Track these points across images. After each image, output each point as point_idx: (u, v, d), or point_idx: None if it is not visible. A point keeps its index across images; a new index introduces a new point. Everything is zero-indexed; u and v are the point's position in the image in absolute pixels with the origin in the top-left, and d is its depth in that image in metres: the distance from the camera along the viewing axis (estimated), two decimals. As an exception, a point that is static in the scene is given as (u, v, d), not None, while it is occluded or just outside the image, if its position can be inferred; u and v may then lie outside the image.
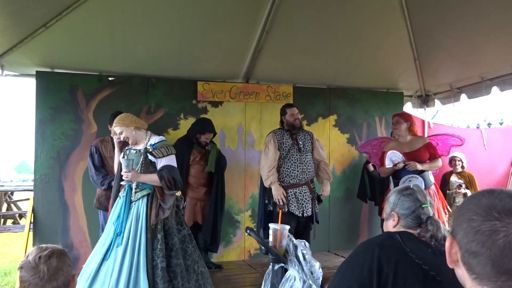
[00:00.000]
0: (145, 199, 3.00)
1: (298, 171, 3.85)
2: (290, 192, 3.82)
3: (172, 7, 3.87)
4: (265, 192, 3.95)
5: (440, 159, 4.01)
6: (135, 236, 2.91)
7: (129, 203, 3.01)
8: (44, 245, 1.46)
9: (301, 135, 3.99)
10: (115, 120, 3.12)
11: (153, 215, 2.95)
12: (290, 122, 3.97)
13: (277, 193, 3.74)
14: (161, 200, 2.99)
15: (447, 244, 0.81)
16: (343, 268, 1.43)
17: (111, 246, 2.91)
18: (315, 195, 3.94)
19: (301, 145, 3.92)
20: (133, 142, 3.12)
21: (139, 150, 3.09)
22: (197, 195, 4.29)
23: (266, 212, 3.93)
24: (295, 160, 3.87)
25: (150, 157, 3.05)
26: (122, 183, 3.07)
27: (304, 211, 3.82)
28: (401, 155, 3.93)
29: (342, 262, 1.46)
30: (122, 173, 2.97)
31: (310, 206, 3.86)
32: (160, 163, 3.04)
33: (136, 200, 3.01)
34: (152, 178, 2.99)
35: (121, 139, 3.12)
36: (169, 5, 3.84)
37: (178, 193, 3.22)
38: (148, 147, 3.06)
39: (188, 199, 4.21)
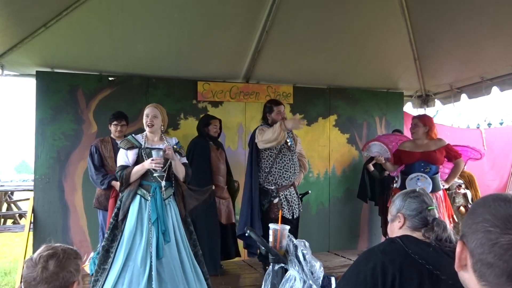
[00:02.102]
0: (172, 197, 3.13)
1: (290, 172, 3.74)
2: (282, 195, 3.70)
3: (172, 7, 3.87)
4: (260, 194, 3.75)
5: (461, 159, 3.93)
6: (180, 231, 3.08)
7: (162, 201, 3.04)
8: (53, 245, 1.40)
9: (286, 133, 3.81)
10: (154, 104, 3.22)
11: (182, 208, 3.15)
12: (276, 121, 3.75)
13: (294, 121, 3.57)
14: (186, 190, 3.20)
15: (457, 249, 0.81)
16: (347, 275, 1.45)
17: (160, 245, 2.92)
18: (298, 194, 3.91)
19: (289, 144, 3.81)
20: (153, 132, 3.15)
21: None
22: (219, 193, 4.27)
23: (258, 212, 3.71)
24: (287, 160, 3.74)
25: (177, 155, 3.21)
26: (155, 174, 3.03)
27: (294, 213, 3.76)
28: (388, 153, 4.03)
29: (347, 270, 1.48)
30: (155, 163, 2.95)
31: (297, 206, 3.82)
32: (182, 161, 3.25)
33: (167, 198, 3.09)
34: (182, 169, 3.18)
35: (148, 122, 3.11)
36: (169, 5, 3.84)
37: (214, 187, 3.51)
38: (175, 147, 3.23)
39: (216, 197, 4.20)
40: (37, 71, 4.33)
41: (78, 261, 1.42)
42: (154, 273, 2.83)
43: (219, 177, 4.31)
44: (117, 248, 2.95)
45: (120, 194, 3.13)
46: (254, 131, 3.90)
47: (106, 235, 3.05)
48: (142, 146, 3.12)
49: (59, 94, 4.36)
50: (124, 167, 3.09)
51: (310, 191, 4.28)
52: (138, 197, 3.04)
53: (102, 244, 3.05)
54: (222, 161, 4.38)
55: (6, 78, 4.40)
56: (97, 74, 4.52)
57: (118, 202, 3.10)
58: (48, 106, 4.33)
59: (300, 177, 4.04)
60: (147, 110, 3.16)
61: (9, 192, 9.68)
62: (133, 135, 3.22)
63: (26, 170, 35.03)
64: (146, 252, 2.89)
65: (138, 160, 3.10)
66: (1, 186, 9.96)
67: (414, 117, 4.10)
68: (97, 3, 3.68)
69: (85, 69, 4.48)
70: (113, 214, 3.08)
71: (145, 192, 3.04)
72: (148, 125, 3.12)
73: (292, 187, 3.82)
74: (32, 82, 4.42)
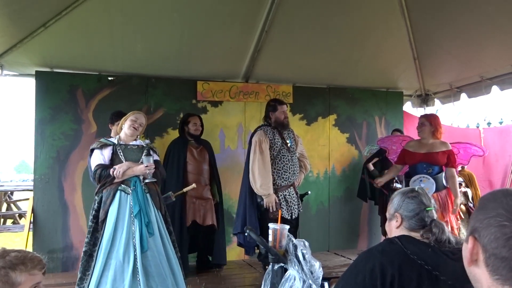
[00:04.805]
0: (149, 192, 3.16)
1: (290, 172, 3.73)
2: (280, 195, 3.68)
3: (172, 7, 3.86)
4: (254, 193, 3.72)
5: (454, 169, 3.90)
6: (163, 225, 3.09)
7: (144, 193, 3.07)
8: (3, 249, 1.32)
9: (286, 134, 3.85)
10: (143, 113, 3.29)
11: (162, 204, 3.19)
12: (279, 120, 3.77)
13: (270, 200, 3.59)
14: (160, 191, 3.27)
15: (469, 245, 0.81)
16: (346, 275, 1.44)
17: (144, 237, 2.90)
18: (298, 195, 3.90)
19: (289, 144, 3.80)
20: (131, 135, 3.20)
21: (141, 146, 3.22)
22: (196, 193, 4.12)
23: (257, 213, 3.72)
24: (287, 161, 3.73)
25: (151, 152, 3.23)
26: (147, 180, 3.10)
27: (293, 213, 3.75)
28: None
29: (345, 270, 1.47)
30: (149, 169, 3.05)
31: (297, 207, 3.81)
32: (155, 158, 3.27)
33: (147, 192, 3.11)
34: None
35: (135, 126, 3.16)
36: (169, 5, 3.84)
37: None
38: (149, 144, 3.29)
39: (187, 197, 4.08)
40: (36, 71, 4.33)
41: (12, 273, 1.27)
42: (139, 265, 2.79)
43: (198, 177, 4.18)
44: (98, 250, 2.90)
45: (96, 196, 3.08)
46: (255, 130, 3.89)
47: (86, 240, 2.98)
48: (116, 143, 3.15)
49: (59, 94, 4.36)
50: (103, 165, 3.05)
51: (309, 192, 4.27)
52: (118, 192, 3.02)
53: (84, 249, 2.97)
54: (203, 161, 4.26)
55: (5, 78, 4.39)
56: (97, 74, 4.52)
57: (96, 204, 3.03)
58: (48, 106, 4.32)
59: (300, 178, 4.03)
60: (136, 115, 3.19)
61: (9, 192, 9.68)
62: (105, 138, 3.26)
63: (26, 170, 34.97)
64: (128, 246, 2.85)
65: (113, 157, 3.10)
66: (1, 186, 9.96)
67: (421, 116, 4.07)
68: (97, 3, 3.67)
69: (84, 69, 4.47)
70: (92, 217, 3.01)
71: (125, 186, 3.04)
72: (133, 128, 3.15)
73: (291, 187, 3.81)
74: (31, 82, 4.42)
